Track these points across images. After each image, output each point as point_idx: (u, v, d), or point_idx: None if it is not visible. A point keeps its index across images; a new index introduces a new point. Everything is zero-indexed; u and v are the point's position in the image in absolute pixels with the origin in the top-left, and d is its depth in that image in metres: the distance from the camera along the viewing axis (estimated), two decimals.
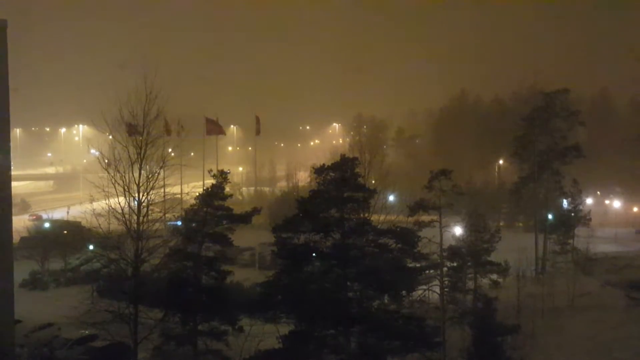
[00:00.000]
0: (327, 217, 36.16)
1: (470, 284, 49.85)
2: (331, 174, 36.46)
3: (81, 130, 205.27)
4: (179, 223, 42.66)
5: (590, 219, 74.77)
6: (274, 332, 36.61)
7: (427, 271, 44.63)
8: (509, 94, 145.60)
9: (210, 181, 41.86)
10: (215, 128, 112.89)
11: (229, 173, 41.66)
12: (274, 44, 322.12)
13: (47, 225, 79.88)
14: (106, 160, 37.22)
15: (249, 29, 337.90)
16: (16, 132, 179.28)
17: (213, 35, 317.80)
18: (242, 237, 48.50)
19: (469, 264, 49.50)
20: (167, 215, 40.66)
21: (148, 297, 37.63)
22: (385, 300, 37.26)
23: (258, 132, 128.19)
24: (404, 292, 39.31)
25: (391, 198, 61.82)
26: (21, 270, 57.49)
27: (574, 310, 53.24)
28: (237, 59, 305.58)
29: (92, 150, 39.18)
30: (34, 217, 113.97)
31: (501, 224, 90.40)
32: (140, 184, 36.34)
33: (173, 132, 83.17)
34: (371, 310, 36.20)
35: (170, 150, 45.64)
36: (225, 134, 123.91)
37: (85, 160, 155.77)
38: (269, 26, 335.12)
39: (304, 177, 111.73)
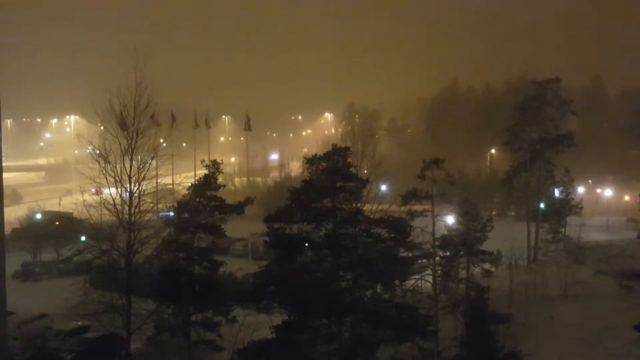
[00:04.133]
0: (320, 207, 36.12)
1: (463, 273, 49.92)
2: (323, 163, 36.42)
3: (72, 121, 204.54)
4: (171, 214, 42.59)
5: (582, 208, 75.04)
6: (267, 322, 36.60)
7: (420, 260, 44.67)
8: (501, 83, 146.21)
9: (202, 171, 41.78)
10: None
11: (222, 163, 41.58)
12: (266, 34, 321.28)
13: (38, 216, 79.62)
14: (97, 152, 37.03)
15: (241, 18, 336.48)
16: (7, 123, 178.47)
17: (204, 24, 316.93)
18: (235, 228, 48.50)
19: (462, 253, 49.55)
20: (159, 205, 40.57)
21: (141, 288, 37.55)
22: (378, 290, 37.29)
23: (248, 127, 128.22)
24: (396, 282, 39.38)
25: (383, 188, 61.87)
26: (13, 262, 57.31)
27: (566, 298, 53.42)
28: (229, 49, 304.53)
29: (89, 148, 38.84)
30: (95, 191, 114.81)
31: (493, 213, 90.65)
32: (132, 175, 36.21)
33: (165, 123, 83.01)
34: (364, 299, 36.24)
35: (161, 140, 45.52)
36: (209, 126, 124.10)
37: (76, 151, 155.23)
38: (260, 15, 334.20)
39: (296, 167, 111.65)
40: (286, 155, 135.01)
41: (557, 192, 74.89)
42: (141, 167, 36.59)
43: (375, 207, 41.91)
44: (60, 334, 44.61)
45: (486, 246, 51.39)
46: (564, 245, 68.55)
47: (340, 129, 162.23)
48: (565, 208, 72.56)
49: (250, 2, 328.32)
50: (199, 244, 39.39)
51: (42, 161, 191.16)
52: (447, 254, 48.60)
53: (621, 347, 42.48)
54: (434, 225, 43.13)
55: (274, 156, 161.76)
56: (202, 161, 42.54)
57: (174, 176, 72.82)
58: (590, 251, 67.97)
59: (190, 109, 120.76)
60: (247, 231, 71.11)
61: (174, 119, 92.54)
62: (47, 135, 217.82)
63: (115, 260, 36.91)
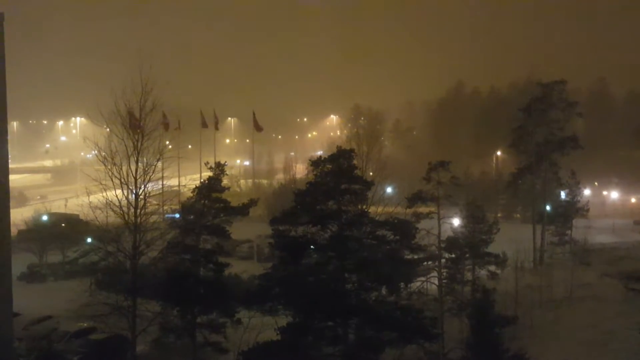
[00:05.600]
0: (325, 209, 36.10)
1: (469, 276, 49.80)
2: (328, 165, 36.40)
3: (78, 122, 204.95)
4: (177, 216, 42.62)
5: (588, 210, 74.89)
6: (273, 324, 36.60)
7: (425, 263, 44.63)
8: (506, 85, 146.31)
9: (207, 173, 41.84)
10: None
11: (226, 165, 41.60)
12: (271, 36, 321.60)
13: (44, 218, 79.74)
14: (103, 154, 37.10)
15: (246, 20, 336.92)
16: (13, 125, 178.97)
17: (209, 26, 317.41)
18: (241, 230, 48.58)
19: (467, 255, 49.42)
20: (164, 207, 40.63)
21: (146, 290, 37.60)
22: (383, 292, 37.26)
23: (259, 129, 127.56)
24: (402, 284, 39.36)
25: (389, 190, 61.90)
26: (19, 263, 57.41)
27: (572, 301, 53.28)
28: (235, 51, 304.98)
29: (89, 154, 39.02)
30: None
31: (499, 215, 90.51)
32: (138, 177, 36.27)
33: (171, 125, 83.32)
34: (369, 302, 36.20)
35: (167, 142, 45.58)
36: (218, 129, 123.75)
37: (82, 153, 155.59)
38: (266, 17, 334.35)
39: (301, 169, 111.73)
40: (291, 158, 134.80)
41: (563, 195, 74.71)
42: (147, 169, 36.65)
43: (380, 209, 41.99)
44: (65, 336, 44.60)
45: (492, 248, 51.29)
46: (570, 247, 68.45)
47: (345, 131, 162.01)
48: (571, 210, 72.40)
49: (255, 5, 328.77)
50: (204, 246, 39.45)
51: (48, 163, 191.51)
52: (453, 256, 48.50)
53: (627, 350, 42.32)
54: (439, 227, 43.07)
55: (246, 162, 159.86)
56: (206, 163, 42.55)
57: (180, 178, 73.03)
58: (596, 254, 67.87)
59: (195, 111, 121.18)
60: (253, 233, 71.13)
61: (179, 123, 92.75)
62: (63, 138, 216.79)
63: (121, 262, 37.00)
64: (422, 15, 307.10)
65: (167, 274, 38.71)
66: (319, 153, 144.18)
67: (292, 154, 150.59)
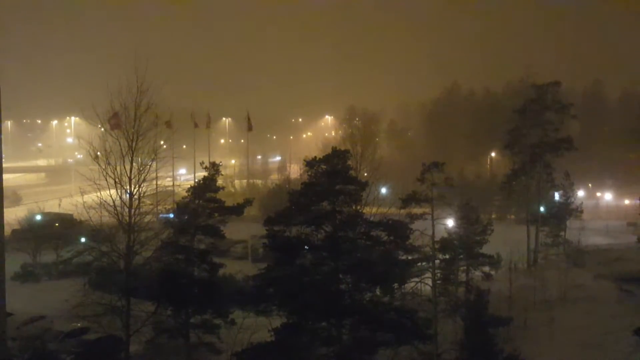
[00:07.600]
0: (319, 209, 36.09)
1: (463, 276, 49.92)
2: (322, 166, 36.41)
3: (73, 122, 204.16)
4: (171, 215, 42.56)
5: (581, 211, 75.08)
6: (267, 324, 36.57)
7: (419, 263, 44.67)
8: (501, 86, 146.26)
9: (202, 173, 41.80)
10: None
11: (220, 165, 41.56)
12: (267, 37, 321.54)
13: (38, 217, 79.47)
14: (98, 153, 37.03)
15: (241, 20, 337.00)
16: (7, 124, 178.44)
17: (205, 26, 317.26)
18: (235, 230, 48.48)
19: (461, 256, 49.54)
20: (159, 207, 40.56)
21: (140, 290, 37.55)
22: (377, 293, 37.27)
23: (250, 128, 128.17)
24: (395, 285, 39.40)
25: (383, 190, 61.91)
26: (13, 263, 57.23)
27: (566, 302, 53.40)
28: (230, 52, 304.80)
29: (80, 155, 38.91)
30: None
31: (493, 216, 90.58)
32: (132, 176, 36.21)
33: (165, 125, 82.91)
34: (363, 302, 36.19)
35: (162, 142, 45.48)
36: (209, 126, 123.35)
37: (77, 153, 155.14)
38: (261, 18, 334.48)
39: (296, 170, 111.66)
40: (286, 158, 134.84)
41: (557, 196, 74.90)
42: (141, 168, 36.60)
43: (374, 209, 41.94)
44: (59, 336, 44.55)
45: (486, 249, 51.41)
46: (564, 248, 68.61)
47: (340, 132, 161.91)
48: (565, 212, 72.60)
49: (251, 5, 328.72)
50: (198, 246, 39.39)
51: (42, 162, 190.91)
52: (447, 257, 48.59)
53: (621, 352, 42.43)
54: (433, 228, 43.11)
55: (185, 174, 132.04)
56: (201, 163, 42.53)
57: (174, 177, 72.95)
58: (589, 255, 68.01)
59: (190, 111, 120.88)
60: (247, 233, 71.03)
61: (169, 124, 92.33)
62: (69, 140, 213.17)
63: (114, 261, 36.93)
64: (417, 16, 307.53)
65: (161, 274, 38.65)
66: (278, 158, 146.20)
67: (258, 156, 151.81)
